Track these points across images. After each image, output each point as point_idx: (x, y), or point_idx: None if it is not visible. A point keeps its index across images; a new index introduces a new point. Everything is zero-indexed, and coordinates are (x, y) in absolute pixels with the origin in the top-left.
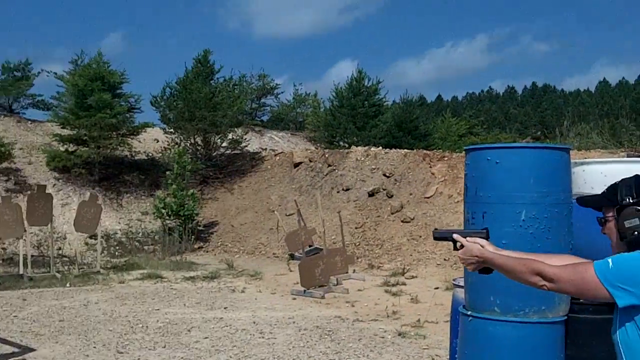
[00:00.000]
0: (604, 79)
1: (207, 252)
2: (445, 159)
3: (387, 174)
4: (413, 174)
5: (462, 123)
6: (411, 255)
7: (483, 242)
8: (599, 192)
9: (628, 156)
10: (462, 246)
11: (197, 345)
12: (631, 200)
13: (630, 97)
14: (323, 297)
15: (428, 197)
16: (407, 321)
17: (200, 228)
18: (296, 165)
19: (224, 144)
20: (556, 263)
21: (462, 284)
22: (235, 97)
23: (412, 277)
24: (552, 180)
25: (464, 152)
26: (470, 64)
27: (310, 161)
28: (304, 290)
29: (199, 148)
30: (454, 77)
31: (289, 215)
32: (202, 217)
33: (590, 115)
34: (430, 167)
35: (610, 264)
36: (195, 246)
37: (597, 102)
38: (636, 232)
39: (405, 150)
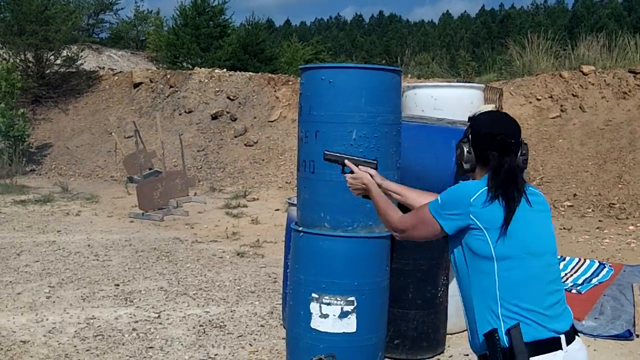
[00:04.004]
0: (447, 11)
1: (40, 175)
2: (290, 83)
3: (231, 97)
4: (257, 98)
5: (308, 48)
6: (253, 178)
7: (372, 172)
8: (429, 115)
9: (457, 82)
10: (351, 172)
11: (27, 269)
12: (464, 139)
13: (470, 30)
14: (162, 220)
15: (272, 121)
16: (247, 242)
17: (33, 150)
18: (136, 85)
19: (58, 62)
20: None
21: (295, 202)
22: (70, 11)
23: (254, 199)
24: (382, 101)
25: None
26: None
27: (151, 82)
28: (142, 213)
29: (30, 65)
30: (303, 2)
31: (127, 137)
32: (35, 139)
33: (433, 46)
34: (275, 91)
35: (439, 198)
36: (27, 169)
37: (439, 33)
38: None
39: (251, 73)
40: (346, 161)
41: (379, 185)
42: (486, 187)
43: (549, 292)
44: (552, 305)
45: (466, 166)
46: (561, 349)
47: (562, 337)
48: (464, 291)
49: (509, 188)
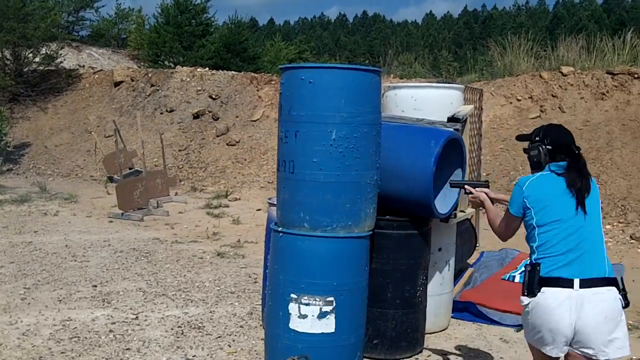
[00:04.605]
0: (431, 12)
1: (18, 174)
2: (273, 82)
3: (214, 96)
4: (240, 97)
5: (292, 48)
6: (235, 178)
7: (487, 190)
8: (409, 115)
9: (438, 82)
10: (470, 192)
11: (2, 271)
12: (537, 139)
13: (453, 30)
14: (142, 220)
15: (254, 121)
16: (227, 242)
17: (10, 149)
18: (117, 84)
19: (37, 60)
20: None
21: (276, 202)
22: (49, 8)
23: (235, 199)
24: (362, 101)
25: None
26: None
27: (132, 80)
28: (122, 213)
29: (8, 63)
30: (287, 2)
31: (107, 136)
32: (12, 138)
33: (416, 46)
34: (258, 90)
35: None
36: (4, 168)
37: (422, 34)
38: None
39: (233, 72)
40: (465, 186)
41: (492, 199)
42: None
43: (573, 248)
44: (571, 255)
45: (541, 164)
46: (572, 287)
47: (576, 280)
48: None
49: (582, 180)
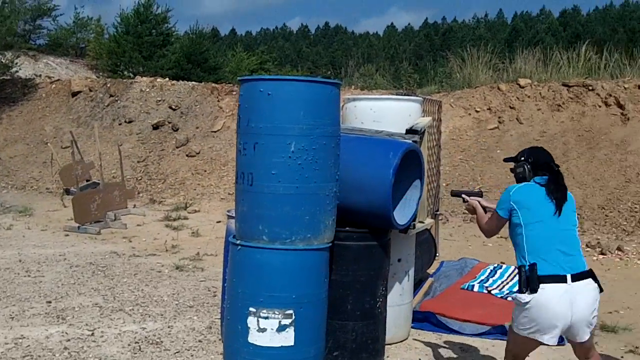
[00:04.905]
0: (392, 23)
1: None
2: (234, 93)
3: (174, 107)
4: (200, 107)
5: (253, 58)
6: (195, 189)
7: (480, 199)
8: (368, 127)
9: (397, 94)
10: (466, 201)
11: None
12: (522, 159)
13: (414, 42)
14: (99, 233)
15: (215, 131)
16: (187, 255)
17: None
18: (74, 94)
19: None
20: None
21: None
22: (5, 16)
23: (195, 211)
24: (321, 113)
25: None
26: None
27: (91, 90)
28: (78, 226)
29: None
30: (249, 12)
31: (64, 148)
32: None
33: (377, 57)
34: (219, 100)
35: (497, 204)
36: None
37: (384, 45)
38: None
39: (194, 82)
40: (462, 195)
41: (484, 207)
42: (521, 185)
43: (559, 248)
44: (562, 254)
45: (526, 178)
46: (566, 282)
47: (569, 275)
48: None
49: (560, 190)
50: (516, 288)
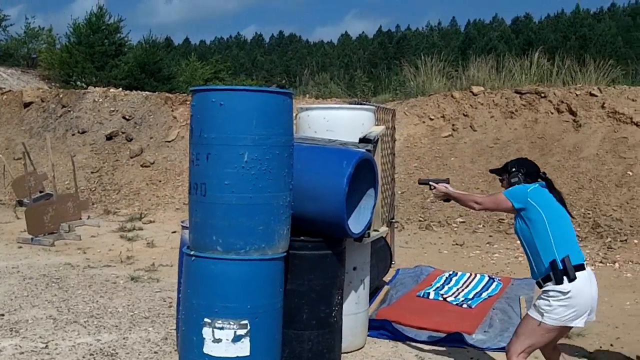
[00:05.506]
0: (346, 32)
1: None
2: (188, 102)
3: (127, 117)
4: (154, 117)
5: (208, 67)
6: (150, 200)
7: (447, 185)
8: (322, 136)
9: (350, 104)
10: (434, 187)
11: None
12: (514, 169)
13: (368, 50)
14: (53, 245)
15: (169, 141)
16: (142, 266)
17: None
18: (26, 105)
19: None
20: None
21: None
22: None
23: (150, 221)
24: (273, 123)
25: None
26: (221, 7)
27: (43, 101)
28: (32, 238)
29: None
30: (203, 21)
31: (16, 159)
32: None
33: (331, 66)
34: (173, 110)
35: (508, 192)
36: None
37: (338, 53)
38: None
39: (147, 92)
40: (430, 182)
41: (450, 192)
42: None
43: (574, 239)
44: (576, 245)
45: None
46: (585, 269)
47: (584, 263)
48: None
49: (559, 193)
50: (472, 294)
